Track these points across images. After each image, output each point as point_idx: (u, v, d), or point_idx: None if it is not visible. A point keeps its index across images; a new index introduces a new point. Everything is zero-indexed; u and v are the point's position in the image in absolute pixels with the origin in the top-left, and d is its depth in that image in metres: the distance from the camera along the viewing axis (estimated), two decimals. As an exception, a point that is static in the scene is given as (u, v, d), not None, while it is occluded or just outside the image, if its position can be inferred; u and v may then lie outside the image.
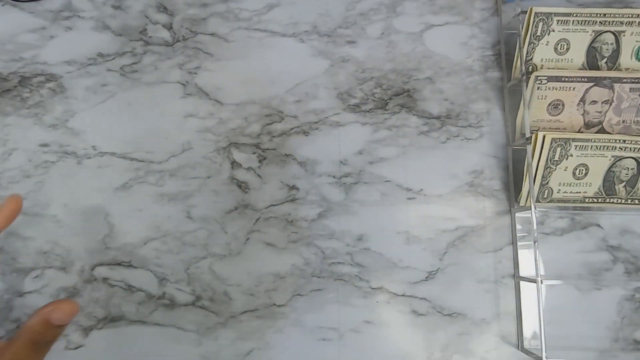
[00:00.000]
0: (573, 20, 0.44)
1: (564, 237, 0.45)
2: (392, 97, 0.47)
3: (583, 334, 0.44)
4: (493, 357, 0.43)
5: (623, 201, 0.43)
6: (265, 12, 0.48)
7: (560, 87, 0.43)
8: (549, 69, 0.44)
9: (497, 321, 0.44)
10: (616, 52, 0.44)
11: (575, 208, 0.45)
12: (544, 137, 0.42)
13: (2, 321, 0.43)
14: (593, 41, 0.44)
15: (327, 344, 0.43)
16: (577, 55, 0.45)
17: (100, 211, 0.44)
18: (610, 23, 0.44)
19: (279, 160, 0.46)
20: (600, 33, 0.44)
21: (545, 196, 0.43)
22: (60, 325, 0.28)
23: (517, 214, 0.45)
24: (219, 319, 0.43)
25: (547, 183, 0.43)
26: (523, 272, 0.44)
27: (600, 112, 0.44)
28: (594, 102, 0.44)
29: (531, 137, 0.42)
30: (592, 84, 0.43)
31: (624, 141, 0.42)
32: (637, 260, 0.45)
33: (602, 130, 0.44)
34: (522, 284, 0.44)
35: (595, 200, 0.43)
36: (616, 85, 0.43)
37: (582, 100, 0.44)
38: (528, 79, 0.43)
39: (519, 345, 0.43)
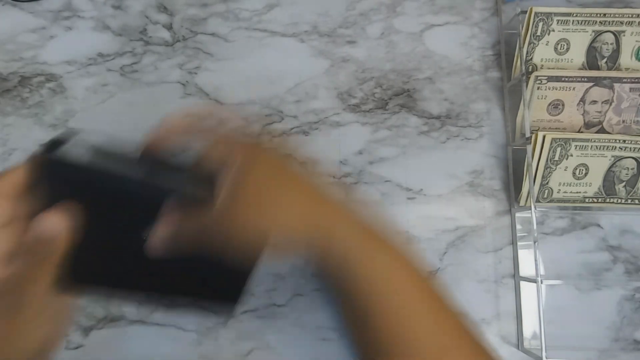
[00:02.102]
0: (573, 20, 0.44)
1: (564, 237, 0.45)
2: (392, 97, 0.47)
3: (583, 334, 0.44)
4: (493, 357, 0.43)
5: (623, 201, 0.43)
6: (265, 12, 0.48)
7: (560, 87, 0.43)
8: (549, 69, 0.44)
9: (497, 321, 0.44)
10: (616, 52, 0.44)
11: (575, 208, 0.45)
12: (544, 137, 0.42)
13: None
14: (593, 41, 0.44)
15: (327, 344, 0.43)
16: (577, 55, 0.45)
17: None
18: (610, 23, 0.44)
19: (279, 160, 0.46)
20: (600, 33, 0.44)
21: (545, 196, 0.43)
22: (53, 239, 0.27)
23: (517, 214, 0.45)
24: (219, 319, 0.43)
25: (547, 183, 0.43)
26: (523, 272, 0.44)
27: (600, 112, 0.44)
28: (594, 102, 0.44)
29: (531, 137, 0.42)
30: (592, 84, 0.43)
31: (624, 141, 0.42)
32: (637, 260, 0.45)
33: (602, 130, 0.44)
34: (522, 284, 0.44)
35: (595, 200, 0.43)
36: (616, 85, 0.43)
37: (582, 100, 0.44)
38: (528, 79, 0.43)
39: (519, 345, 0.43)
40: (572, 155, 0.42)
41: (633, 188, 0.43)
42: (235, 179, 0.31)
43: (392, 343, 0.32)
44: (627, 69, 0.45)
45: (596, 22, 0.44)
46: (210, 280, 0.33)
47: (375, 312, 0.32)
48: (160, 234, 0.30)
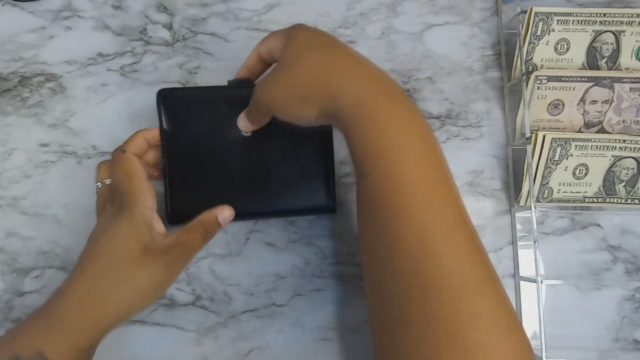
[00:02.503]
0: (573, 20, 0.44)
1: (564, 237, 0.45)
2: (392, 97, 0.47)
3: (583, 334, 0.44)
4: (493, 357, 0.43)
5: (623, 201, 0.43)
6: (265, 12, 0.48)
7: (560, 87, 0.43)
8: (549, 68, 0.44)
9: (497, 321, 0.44)
10: (616, 52, 0.44)
11: (575, 208, 0.45)
12: (544, 137, 0.42)
13: (2, 321, 0.43)
14: (593, 41, 0.44)
15: (327, 344, 0.43)
16: (577, 55, 0.45)
17: (100, 211, 0.44)
18: (610, 23, 0.44)
19: (279, 160, 0.45)
20: (600, 33, 0.44)
21: (545, 196, 0.43)
22: (221, 226, 0.36)
23: (517, 214, 0.45)
24: (219, 319, 0.43)
25: (547, 183, 0.43)
26: (523, 272, 0.44)
27: (600, 112, 0.44)
28: (594, 102, 0.44)
29: (531, 137, 0.42)
30: (592, 83, 0.43)
31: (624, 141, 0.42)
32: (637, 260, 0.45)
33: (602, 130, 0.44)
34: (522, 284, 0.44)
35: (595, 200, 0.43)
36: (616, 85, 0.43)
37: (582, 100, 0.44)
38: (528, 78, 0.43)
39: (519, 345, 0.43)
40: (572, 155, 0.42)
41: (633, 188, 0.43)
42: (282, 54, 0.34)
43: (393, 213, 0.28)
44: (627, 69, 0.45)
45: (596, 22, 0.44)
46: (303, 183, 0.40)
47: (376, 173, 0.29)
48: (242, 114, 0.37)
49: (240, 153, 0.39)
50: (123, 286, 0.32)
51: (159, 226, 0.35)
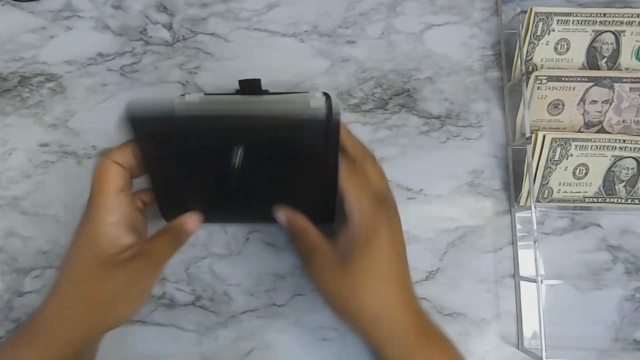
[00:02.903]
0: (573, 20, 0.44)
1: (564, 237, 0.45)
2: (392, 97, 0.47)
3: (583, 334, 0.44)
4: (493, 357, 0.43)
5: (623, 201, 0.43)
6: (265, 12, 0.48)
7: (560, 87, 0.43)
8: (549, 68, 0.44)
9: (497, 321, 0.44)
10: (616, 52, 0.44)
11: (575, 208, 0.45)
12: (544, 137, 0.42)
13: (2, 321, 0.43)
14: (593, 41, 0.44)
15: (327, 344, 0.43)
16: (577, 55, 0.45)
17: (100, 211, 0.44)
18: (610, 23, 0.44)
19: (279, 160, 0.45)
20: (600, 33, 0.44)
21: (545, 196, 0.43)
22: (189, 233, 0.36)
23: (517, 214, 0.45)
24: (219, 319, 0.43)
25: (547, 183, 0.43)
26: (523, 272, 0.44)
27: (600, 112, 0.44)
28: (594, 101, 0.44)
29: (531, 137, 0.42)
30: (592, 83, 0.43)
31: (624, 141, 0.42)
32: (637, 260, 0.45)
33: (602, 130, 0.44)
34: (522, 284, 0.44)
35: (595, 200, 0.43)
36: (616, 85, 0.43)
37: (582, 100, 0.44)
38: (528, 78, 0.43)
39: (519, 345, 0.43)
40: (572, 155, 0.42)
41: (633, 188, 0.43)
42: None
43: None
44: (627, 69, 0.45)
45: (596, 22, 0.44)
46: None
47: None
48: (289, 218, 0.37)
49: (231, 180, 0.35)
50: (89, 302, 0.32)
51: (126, 239, 0.33)
